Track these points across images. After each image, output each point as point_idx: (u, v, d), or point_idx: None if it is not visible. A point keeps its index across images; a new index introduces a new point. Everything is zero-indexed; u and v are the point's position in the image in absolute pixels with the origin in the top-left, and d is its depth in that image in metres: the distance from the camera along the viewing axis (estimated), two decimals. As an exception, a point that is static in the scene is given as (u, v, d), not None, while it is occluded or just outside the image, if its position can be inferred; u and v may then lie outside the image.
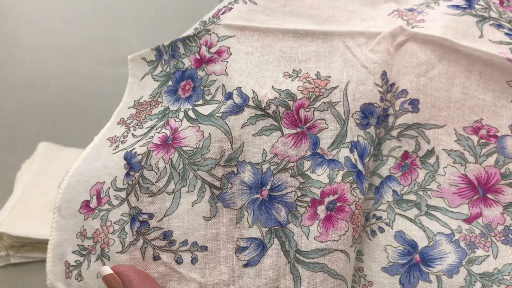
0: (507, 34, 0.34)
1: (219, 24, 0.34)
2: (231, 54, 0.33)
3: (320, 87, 0.32)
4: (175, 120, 0.32)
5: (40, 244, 0.59)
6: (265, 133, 0.31)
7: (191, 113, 0.32)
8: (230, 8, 0.35)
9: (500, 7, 0.36)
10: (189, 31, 0.37)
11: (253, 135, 0.31)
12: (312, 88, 0.32)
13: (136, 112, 0.37)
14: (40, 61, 1.00)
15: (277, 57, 0.33)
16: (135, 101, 0.38)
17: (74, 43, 1.06)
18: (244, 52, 0.33)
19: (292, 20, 0.34)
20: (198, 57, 0.34)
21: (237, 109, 0.31)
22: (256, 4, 0.35)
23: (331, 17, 0.35)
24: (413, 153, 0.33)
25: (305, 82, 0.32)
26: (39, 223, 0.61)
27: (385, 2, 0.38)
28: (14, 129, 0.81)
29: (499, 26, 0.35)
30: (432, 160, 0.33)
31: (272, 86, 0.32)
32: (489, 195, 0.32)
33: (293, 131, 0.31)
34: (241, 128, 0.31)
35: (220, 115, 0.31)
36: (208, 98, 0.33)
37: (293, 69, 0.32)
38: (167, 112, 0.34)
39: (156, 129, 0.33)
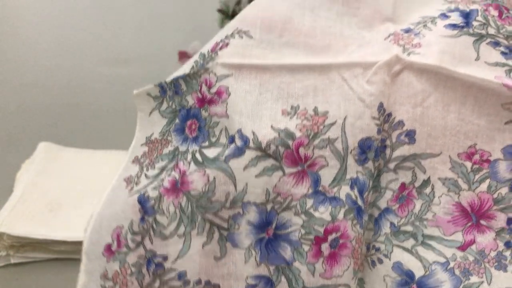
0: (503, 53, 0.34)
1: (217, 62, 0.34)
2: (230, 94, 0.33)
3: (318, 124, 0.32)
4: (183, 163, 0.34)
5: (40, 244, 0.59)
6: (267, 173, 0.32)
7: (198, 156, 0.33)
8: (227, 44, 0.34)
9: (499, 21, 0.35)
10: (189, 65, 0.37)
11: (255, 176, 0.32)
12: (310, 125, 0.32)
13: (148, 150, 0.38)
14: (40, 61, 1.00)
15: (275, 94, 0.33)
16: (146, 137, 0.39)
17: (74, 43, 1.06)
18: (243, 90, 0.33)
19: (289, 52, 0.34)
20: (200, 95, 0.35)
21: (239, 152, 0.32)
22: (252, 38, 0.35)
23: (328, 45, 0.35)
24: (410, 184, 0.34)
25: (303, 120, 0.32)
26: (39, 223, 0.61)
27: (382, 23, 0.37)
28: (14, 129, 0.81)
29: (496, 44, 0.34)
30: (428, 190, 0.33)
31: (272, 126, 0.32)
32: (482, 221, 0.33)
33: (294, 170, 0.32)
34: (244, 170, 0.32)
35: (223, 158, 0.32)
36: (213, 140, 0.34)
37: (291, 106, 0.33)
38: (176, 153, 0.35)
39: (166, 171, 0.34)
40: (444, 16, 0.36)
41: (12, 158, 0.72)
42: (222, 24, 0.88)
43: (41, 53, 1.04)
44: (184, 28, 1.10)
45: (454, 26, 0.35)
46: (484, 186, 0.33)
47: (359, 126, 0.32)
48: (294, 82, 0.33)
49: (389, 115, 0.33)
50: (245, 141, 0.32)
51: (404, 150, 0.34)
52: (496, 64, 0.34)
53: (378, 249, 0.33)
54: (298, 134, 0.32)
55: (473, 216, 0.33)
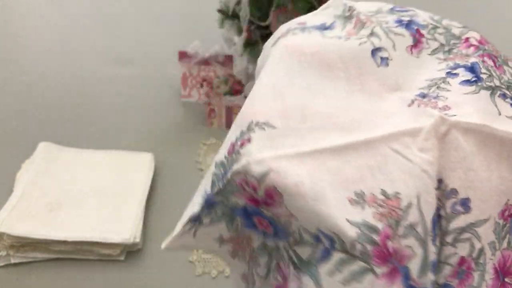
0: None
1: (248, 162, 0.29)
2: (281, 195, 0.29)
3: (395, 209, 0.28)
4: (283, 263, 0.32)
5: (40, 244, 0.59)
6: (357, 279, 0.28)
7: (293, 256, 0.31)
8: (249, 139, 0.30)
9: (496, 70, 0.35)
10: (208, 184, 0.33)
11: (342, 283, 0.28)
12: (387, 212, 0.28)
13: (234, 245, 0.35)
14: (40, 62, 1.00)
15: (330, 182, 0.29)
16: (219, 241, 0.36)
17: (74, 44, 1.06)
18: (293, 185, 0.29)
19: (321, 136, 0.31)
20: (249, 196, 0.31)
21: (327, 254, 0.29)
22: (275, 127, 0.31)
23: (355, 121, 0.32)
24: (468, 256, 0.30)
25: (377, 207, 0.28)
26: (39, 223, 0.61)
27: (390, 92, 0.34)
28: (14, 129, 0.81)
29: (504, 96, 0.33)
30: (482, 259, 0.31)
31: (347, 219, 0.28)
32: (506, 279, 0.31)
33: (386, 269, 0.28)
34: (330, 276, 0.28)
35: (314, 262, 0.29)
36: (297, 237, 0.31)
37: (355, 192, 0.29)
38: (269, 250, 0.33)
39: (272, 272, 0.33)
40: (452, 74, 0.35)
41: (12, 158, 0.72)
42: (222, 24, 0.88)
43: (42, 54, 1.04)
44: (184, 28, 1.10)
45: (469, 82, 0.33)
46: (504, 243, 0.31)
47: (430, 202, 0.29)
48: (344, 165, 0.30)
49: (440, 181, 0.30)
50: (331, 240, 0.29)
51: (460, 220, 0.30)
52: None
53: None
54: (380, 225, 0.28)
55: (501, 275, 0.31)
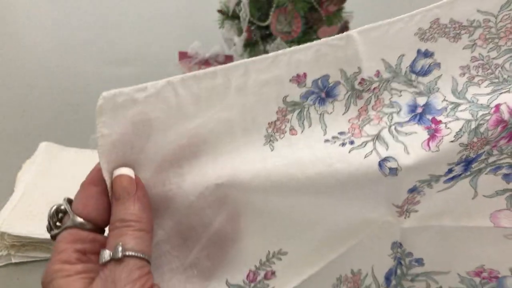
0: (505, 176, 0.35)
1: None
2: None
3: (357, 281, 0.36)
4: None
5: (41, 244, 0.59)
6: None
7: None
8: (273, 272, 0.33)
9: (504, 144, 0.33)
10: None
11: None
12: (353, 285, 0.36)
13: None
14: (41, 62, 1.01)
15: (323, 277, 0.35)
16: None
17: (74, 43, 1.07)
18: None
19: (319, 247, 0.35)
20: None
21: None
22: (287, 253, 0.33)
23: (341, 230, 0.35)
24: None
25: (347, 283, 0.36)
26: (40, 222, 0.61)
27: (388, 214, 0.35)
28: (15, 129, 0.81)
29: (497, 168, 0.35)
30: None
31: None
32: None
33: None
34: None
35: None
36: None
37: (336, 278, 0.36)
38: None
39: None
40: (449, 171, 0.33)
41: (13, 158, 0.72)
42: (222, 24, 0.88)
43: (42, 54, 1.04)
44: (184, 28, 1.10)
45: (452, 178, 0.33)
46: None
47: (382, 268, 0.37)
48: (337, 263, 0.35)
49: (400, 245, 0.37)
50: None
51: (416, 270, 0.38)
52: (496, 194, 0.34)
53: None
54: None
55: None
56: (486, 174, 0.34)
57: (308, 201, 0.32)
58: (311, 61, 0.31)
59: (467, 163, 0.32)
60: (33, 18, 1.20)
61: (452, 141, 0.30)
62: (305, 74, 0.31)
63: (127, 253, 0.26)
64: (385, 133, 0.31)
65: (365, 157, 0.30)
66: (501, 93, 0.31)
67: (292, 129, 0.32)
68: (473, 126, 0.30)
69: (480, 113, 0.30)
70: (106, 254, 0.26)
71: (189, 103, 0.30)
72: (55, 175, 0.70)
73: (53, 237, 0.29)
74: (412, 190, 0.33)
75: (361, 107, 0.32)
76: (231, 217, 0.31)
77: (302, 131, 0.32)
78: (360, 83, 0.32)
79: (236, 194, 0.30)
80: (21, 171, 0.70)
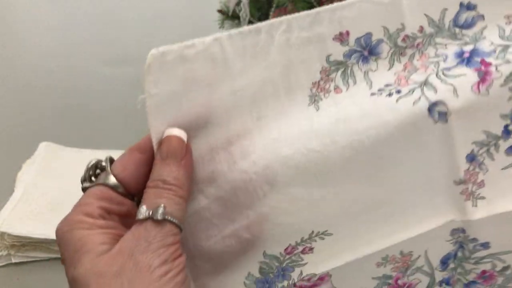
0: None
1: (313, 274, 0.34)
2: (331, 275, 0.34)
3: (407, 261, 0.35)
4: None
5: (41, 244, 0.60)
6: None
7: None
8: (311, 248, 0.33)
9: None
10: (252, 264, 0.33)
11: None
12: (401, 264, 0.35)
13: None
14: (40, 62, 1.01)
15: (368, 258, 0.34)
16: None
17: (74, 43, 1.07)
18: (343, 268, 0.34)
19: (370, 229, 0.34)
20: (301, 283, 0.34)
21: None
22: (332, 234, 0.33)
23: (405, 209, 0.34)
24: (491, 269, 0.36)
25: (395, 263, 0.34)
26: (40, 222, 0.62)
27: (445, 157, 0.33)
28: (15, 129, 0.81)
29: None
30: (508, 272, 0.36)
31: (372, 277, 0.35)
32: None
33: None
34: None
35: None
36: None
37: (382, 257, 0.34)
38: None
39: None
40: (507, 133, 0.32)
41: (13, 158, 0.72)
42: (222, 25, 0.88)
43: (42, 54, 1.04)
44: (184, 28, 1.10)
45: None
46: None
47: (437, 251, 0.35)
48: (384, 250, 0.35)
49: (463, 231, 0.35)
50: None
51: (481, 253, 0.35)
52: None
53: None
54: (394, 274, 0.35)
55: None
56: None
57: (359, 171, 0.31)
58: (354, 18, 0.31)
59: None
60: (33, 18, 1.20)
61: (502, 85, 0.30)
62: (347, 32, 0.31)
63: (166, 217, 0.26)
64: (432, 79, 0.31)
65: (413, 104, 0.30)
66: None
67: (336, 88, 0.31)
68: None
69: None
70: (144, 210, 0.26)
71: (235, 60, 0.30)
72: (55, 175, 0.70)
73: (84, 190, 0.29)
74: (472, 159, 0.32)
75: (406, 63, 0.32)
76: (277, 192, 0.31)
77: (347, 89, 0.31)
78: (403, 39, 0.31)
79: (281, 168, 0.30)
80: (21, 171, 0.70)
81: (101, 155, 0.31)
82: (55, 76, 0.96)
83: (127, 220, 0.28)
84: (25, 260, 0.59)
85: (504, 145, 0.32)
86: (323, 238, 0.32)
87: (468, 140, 0.31)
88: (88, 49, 1.04)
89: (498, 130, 0.31)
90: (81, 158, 0.73)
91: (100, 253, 0.25)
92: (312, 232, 0.32)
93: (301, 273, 0.33)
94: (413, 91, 0.31)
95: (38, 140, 0.75)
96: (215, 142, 0.30)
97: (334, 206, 0.32)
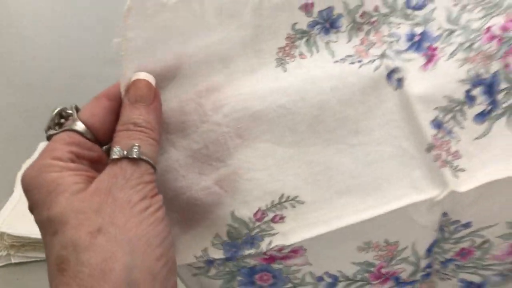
0: None
1: (282, 245, 0.32)
2: (306, 250, 0.33)
3: (392, 251, 0.34)
4: None
5: (41, 244, 0.60)
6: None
7: None
8: (282, 217, 0.32)
9: None
10: (220, 227, 0.32)
11: None
12: (386, 254, 0.34)
13: None
14: (40, 62, 1.01)
15: (347, 237, 0.33)
16: None
17: (74, 44, 1.07)
18: (321, 247, 0.33)
19: (344, 202, 0.33)
20: (266, 257, 0.33)
21: (332, 285, 0.35)
22: (304, 202, 0.32)
23: (374, 180, 0.33)
24: (470, 247, 0.35)
25: (378, 251, 0.34)
26: (39, 223, 0.62)
27: (406, 122, 0.33)
28: (15, 129, 0.81)
29: None
30: (486, 245, 0.35)
31: (353, 262, 0.34)
32: None
33: (379, 280, 0.35)
34: None
35: None
36: (297, 282, 0.34)
37: (364, 242, 0.33)
38: None
39: None
40: (470, 99, 0.32)
41: (13, 158, 0.72)
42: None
43: (42, 54, 1.04)
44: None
45: (482, 116, 0.32)
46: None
47: (425, 242, 0.34)
48: (366, 227, 0.33)
49: (445, 214, 0.34)
50: (335, 278, 0.34)
51: (461, 233, 0.35)
52: None
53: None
54: (377, 262, 0.34)
55: None
56: None
57: (327, 133, 0.32)
58: None
59: (488, 87, 0.32)
60: (33, 18, 1.20)
61: (446, 60, 0.33)
62: (312, 4, 0.33)
63: (142, 156, 0.25)
64: (389, 52, 0.33)
65: (374, 70, 0.32)
66: (492, 17, 0.33)
67: (301, 54, 0.33)
68: (466, 46, 0.32)
69: (473, 35, 0.33)
70: (118, 150, 0.25)
71: (212, 15, 0.31)
72: (55, 175, 0.70)
73: (49, 138, 0.28)
74: (438, 125, 0.32)
75: (362, 38, 0.34)
76: (247, 146, 0.31)
77: (311, 55, 0.33)
78: (361, 16, 0.33)
79: (252, 123, 0.31)
80: (21, 171, 0.70)
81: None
82: (55, 76, 0.96)
83: (97, 165, 0.27)
84: (24, 260, 0.59)
85: (470, 112, 0.32)
86: (294, 206, 0.32)
87: (430, 106, 0.32)
88: (88, 49, 1.04)
89: (460, 95, 0.32)
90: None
91: (76, 192, 0.24)
92: (282, 195, 0.32)
93: (270, 243, 0.32)
94: (373, 61, 0.33)
95: (37, 140, 0.75)
96: (185, 94, 0.31)
97: (303, 168, 0.32)
